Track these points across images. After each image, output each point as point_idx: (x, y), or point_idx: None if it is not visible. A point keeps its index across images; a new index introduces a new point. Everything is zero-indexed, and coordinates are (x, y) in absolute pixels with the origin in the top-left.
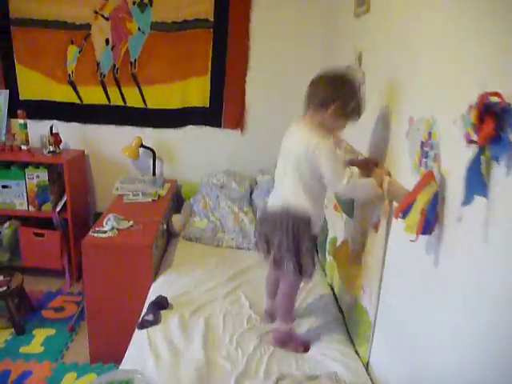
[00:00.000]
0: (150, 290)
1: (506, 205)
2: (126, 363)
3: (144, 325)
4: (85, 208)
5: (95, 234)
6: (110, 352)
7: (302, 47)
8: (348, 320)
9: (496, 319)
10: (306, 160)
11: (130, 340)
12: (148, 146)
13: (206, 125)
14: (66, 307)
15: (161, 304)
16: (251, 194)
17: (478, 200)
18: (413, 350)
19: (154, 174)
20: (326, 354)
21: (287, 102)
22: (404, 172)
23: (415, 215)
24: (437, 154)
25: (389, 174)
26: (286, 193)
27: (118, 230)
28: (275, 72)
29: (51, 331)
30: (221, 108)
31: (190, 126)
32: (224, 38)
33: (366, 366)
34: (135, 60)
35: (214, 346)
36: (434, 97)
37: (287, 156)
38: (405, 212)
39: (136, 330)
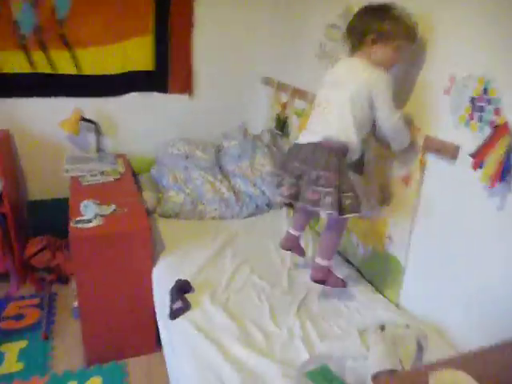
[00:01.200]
0: (153, 276)
1: None
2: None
3: (176, 314)
4: (18, 198)
5: (79, 225)
6: (108, 351)
7: (250, 5)
8: (367, 270)
9: None
10: (364, 91)
11: (138, 333)
12: (88, 118)
13: (151, 91)
14: (26, 313)
15: (184, 288)
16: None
17: None
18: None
19: (98, 150)
20: (366, 305)
21: (237, 64)
22: (445, 126)
23: (492, 165)
24: (498, 108)
25: None
26: (331, 125)
27: (101, 216)
28: (223, 31)
29: (22, 343)
30: (166, 72)
31: (134, 94)
32: None
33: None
34: (63, 18)
35: (261, 318)
36: (484, 57)
37: (339, 88)
38: (481, 163)
39: (163, 322)
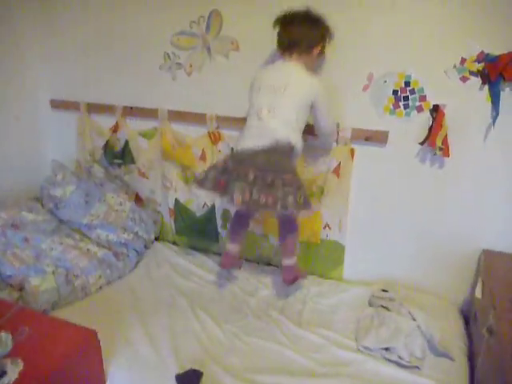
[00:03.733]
0: None
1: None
2: None
3: None
4: None
5: None
6: None
7: None
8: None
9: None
10: (309, 96)
11: None
12: None
13: None
14: None
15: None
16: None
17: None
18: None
19: None
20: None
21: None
22: (369, 118)
23: (440, 141)
24: (422, 96)
25: None
26: (279, 128)
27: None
28: None
29: None
30: None
31: None
32: None
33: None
34: None
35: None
36: (403, 55)
37: (282, 92)
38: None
39: None
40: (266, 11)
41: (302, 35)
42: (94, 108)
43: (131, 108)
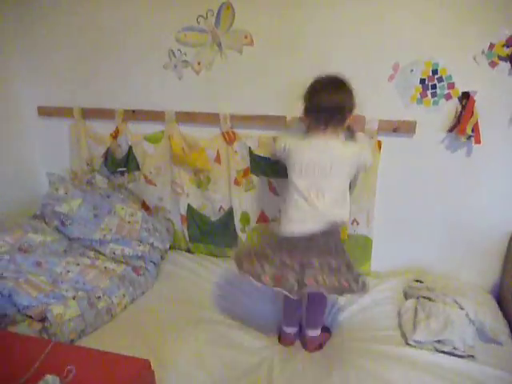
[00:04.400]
0: None
1: None
2: None
3: None
4: None
5: None
6: None
7: None
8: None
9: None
10: (355, 165)
11: None
12: None
13: None
14: None
15: None
16: None
17: None
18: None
19: None
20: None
21: None
22: (395, 108)
23: (470, 128)
24: (450, 83)
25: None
26: (326, 211)
27: None
28: None
29: None
30: None
31: None
32: None
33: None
34: None
35: None
36: (430, 43)
37: (324, 172)
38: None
39: None
40: (281, 1)
41: (339, 102)
42: (90, 113)
43: (133, 111)
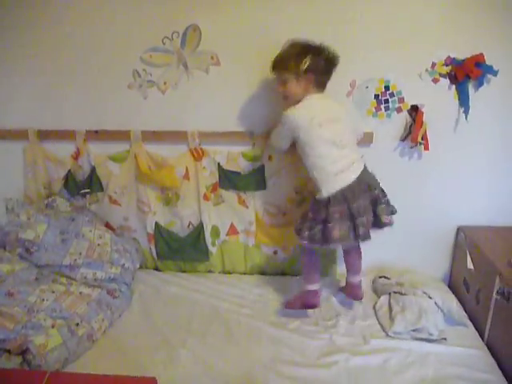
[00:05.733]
0: None
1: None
2: None
3: None
4: None
5: None
6: None
7: None
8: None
9: None
10: (351, 122)
11: None
12: None
13: None
14: None
15: None
16: None
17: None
18: None
19: None
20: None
21: None
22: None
23: (420, 137)
24: (400, 98)
25: None
26: (352, 158)
27: None
28: None
29: None
30: None
31: None
32: None
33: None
34: None
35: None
36: (382, 63)
37: (339, 122)
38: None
39: None
40: (247, 23)
41: (336, 63)
42: (47, 135)
43: (96, 131)
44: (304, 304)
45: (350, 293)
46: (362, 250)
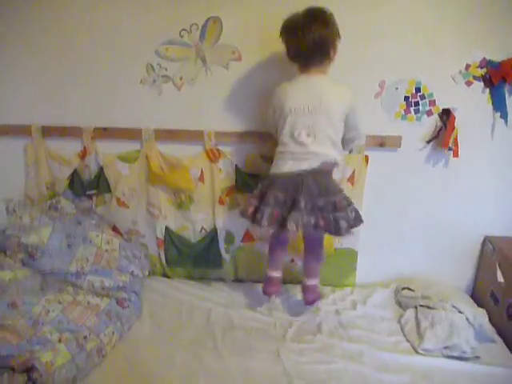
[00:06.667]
0: None
1: None
2: None
3: None
4: None
5: None
6: None
7: None
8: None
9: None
10: (343, 107)
11: None
12: None
13: None
14: None
15: None
16: None
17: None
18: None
19: None
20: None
21: None
22: (381, 124)
23: (451, 142)
24: (431, 101)
25: None
26: (318, 150)
27: None
28: None
29: None
30: None
31: None
32: None
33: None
34: None
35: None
36: (414, 64)
37: (314, 111)
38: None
39: None
40: (271, 16)
41: (318, 38)
42: (52, 131)
43: (105, 129)
44: (263, 290)
45: (303, 297)
46: (322, 255)
